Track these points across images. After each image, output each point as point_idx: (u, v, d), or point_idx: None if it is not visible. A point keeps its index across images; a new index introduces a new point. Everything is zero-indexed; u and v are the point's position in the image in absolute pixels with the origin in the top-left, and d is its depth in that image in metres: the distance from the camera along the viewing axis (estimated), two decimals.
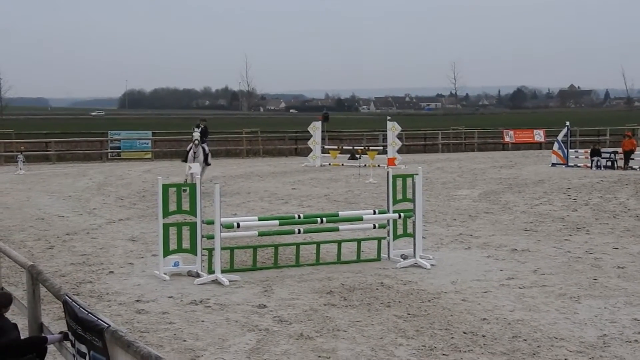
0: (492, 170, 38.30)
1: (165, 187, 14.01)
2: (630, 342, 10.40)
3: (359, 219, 15.81)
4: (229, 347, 10.08)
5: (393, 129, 40.63)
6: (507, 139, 58.23)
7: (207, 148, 28.34)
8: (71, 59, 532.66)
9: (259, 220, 15.36)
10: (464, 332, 10.82)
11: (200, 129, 27.93)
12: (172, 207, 14.09)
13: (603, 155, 41.16)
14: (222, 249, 14.14)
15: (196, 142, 27.42)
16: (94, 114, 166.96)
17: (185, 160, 27.57)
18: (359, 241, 15.89)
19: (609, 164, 40.26)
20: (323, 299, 12.62)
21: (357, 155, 40.97)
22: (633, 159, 40.14)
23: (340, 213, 16.38)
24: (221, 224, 14.00)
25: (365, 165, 36.64)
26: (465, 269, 14.88)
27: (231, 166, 41.32)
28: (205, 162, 27.96)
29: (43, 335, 8.45)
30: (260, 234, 15.24)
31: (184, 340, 10.36)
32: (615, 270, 14.87)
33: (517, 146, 57.67)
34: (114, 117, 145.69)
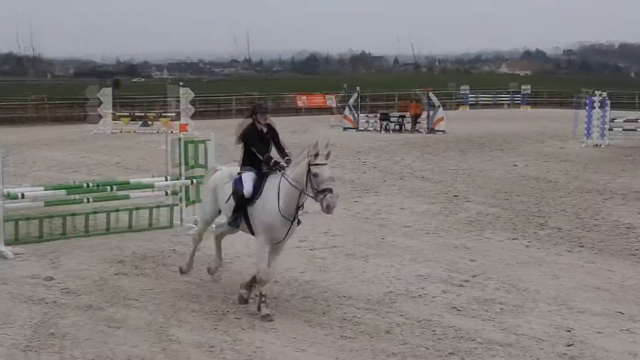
0: (285, 135, 38.57)
1: None
2: (414, 297, 10.83)
3: (151, 187, 15.59)
4: (14, 322, 9.68)
5: (186, 94, 40.22)
6: (299, 104, 59.04)
7: None
8: None
9: (45, 189, 14.82)
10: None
11: None
12: None
13: (392, 119, 42.50)
14: (6, 221, 13.54)
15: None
16: None
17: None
18: (151, 209, 15.66)
19: (397, 127, 41.65)
20: (114, 269, 12.35)
21: (149, 122, 40.36)
22: (419, 122, 41.65)
23: (132, 180, 16.09)
24: (4, 195, 13.40)
25: (157, 132, 36.15)
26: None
27: (16, 134, 39.59)
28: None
29: None
30: (47, 204, 14.70)
31: None
32: (401, 229, 15.43)
33: (309, 111, 58.61)
34: None
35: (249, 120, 10.99)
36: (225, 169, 11.34)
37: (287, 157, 10.65)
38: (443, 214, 17.19)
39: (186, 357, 8.72)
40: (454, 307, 10.43)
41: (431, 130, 40.28)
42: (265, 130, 11.01)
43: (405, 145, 33.20)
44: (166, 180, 15.77)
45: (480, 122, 46.64)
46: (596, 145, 31.70)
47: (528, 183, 21.89)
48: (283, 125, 49.04)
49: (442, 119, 40.56)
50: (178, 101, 39.75)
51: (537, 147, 31.54)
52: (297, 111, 58.70)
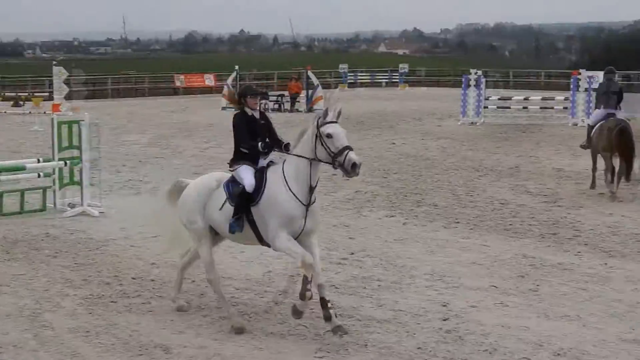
0: (163, 115, 38.14)
1: None
2: (292, 275, 10.82)
3: (22, 169, 15.12)
4: None
5: (60, 74, 39.14)
6: (178, 84, 58.21)
7: None
8: None
9: None
10: (133, 278, 10.74)
11: None
12: None
13: (270, 98, 42.35)
14: None
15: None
16: None
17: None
18: (22, 192, 15.16)
19: (277, 106, 41.56)
20: None
21: (21, 102, 39.19)
22: (299, 101, 41.66)
23: (1, 163, 15.57)
24: None
25: (29, 112, 35.12)
26: (134, 215, 14.67)
27: None
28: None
29: None
30: None
31: None
32: None
33: (188, 90, 57.80)
34: None
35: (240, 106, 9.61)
36: (208, 175, 9.68)
37: (285, 143, 9.20)
38: (322, 193, 17.18)
39: (60, 343, 8.49)
40: (333, 285, 10.46)
41: (310, 109, 40.35)
42: (258, 117, 9.59)
43: (284, 125, 32.91)
44: (38, 162, 15.31)
45: (358, 101, 46.96)
46: (472, 123, 32.38)
47: (406, 161, 22.21)
48: (163, 105, 48.36)
49: (320, 98, 40.67)
50: (67, 82, 38.44)
51: (414, 126, 32.02)
52: (176, 90, 57.77)
